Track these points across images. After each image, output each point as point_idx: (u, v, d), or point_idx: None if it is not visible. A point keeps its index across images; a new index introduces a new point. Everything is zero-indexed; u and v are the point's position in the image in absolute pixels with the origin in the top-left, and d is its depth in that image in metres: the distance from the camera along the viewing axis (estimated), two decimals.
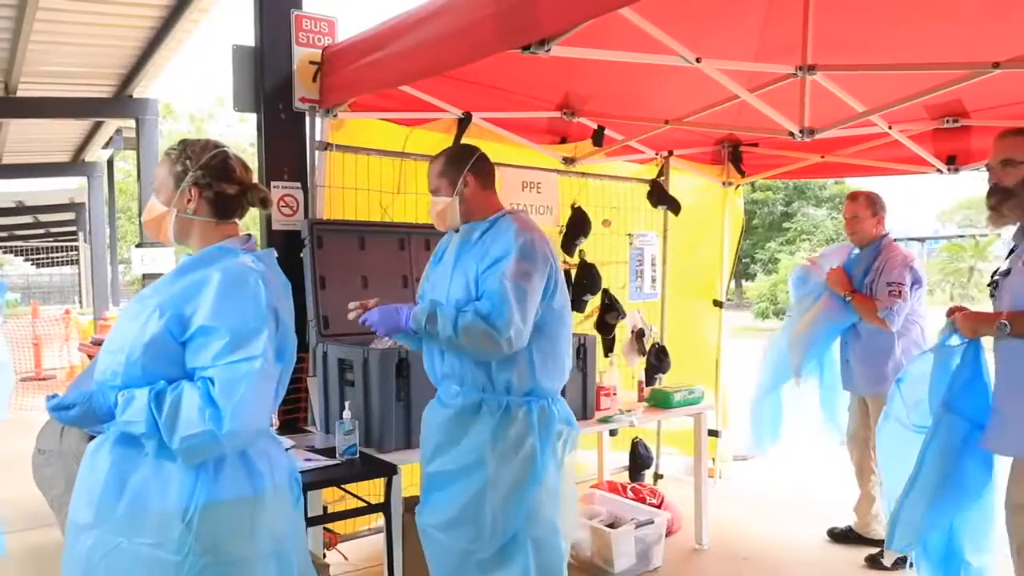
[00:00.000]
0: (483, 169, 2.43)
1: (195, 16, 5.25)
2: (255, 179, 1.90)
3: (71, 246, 14.92)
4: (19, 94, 6.64)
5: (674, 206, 4.61)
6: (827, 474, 3.87)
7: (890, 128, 3.63)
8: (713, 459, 4.88)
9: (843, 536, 3.96)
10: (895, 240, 3.77)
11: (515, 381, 2.32)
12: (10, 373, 6.03)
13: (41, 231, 18.14)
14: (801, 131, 3.18)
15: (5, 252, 16.91)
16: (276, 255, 1.87)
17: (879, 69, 3.12)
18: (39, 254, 17.08)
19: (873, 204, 3.76)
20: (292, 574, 1.81)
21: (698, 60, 2.83)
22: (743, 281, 26.09)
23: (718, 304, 5.18)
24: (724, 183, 5.10)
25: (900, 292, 3.51)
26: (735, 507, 4.55)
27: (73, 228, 15.58)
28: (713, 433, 4.65)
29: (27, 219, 16.28)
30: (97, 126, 8.77)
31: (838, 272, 3.72)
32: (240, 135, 22.33)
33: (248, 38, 3.44)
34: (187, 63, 27.98)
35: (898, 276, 3.53)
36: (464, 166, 2.39)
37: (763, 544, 3.99)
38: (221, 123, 23.77)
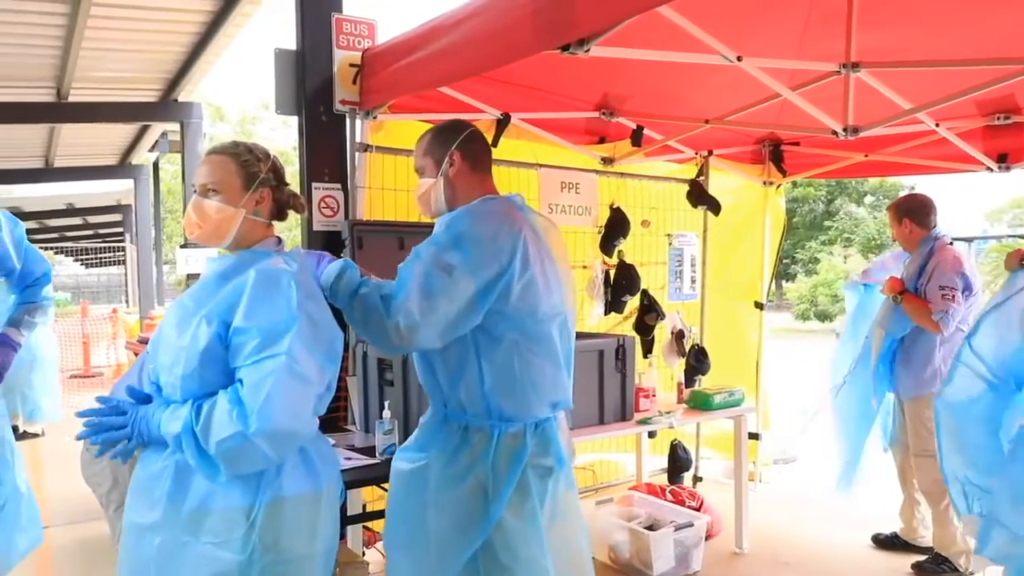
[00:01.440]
0: (474, 148, 2.09)
1: (238, 21, 5.34)
2: None
3: (118, 247, 15.29)
4: (70, 99, 6.83)
5: (714, 206, 4.56)
6: (872, 478, 3.80)
7: (937, 126, 3.55)
8: (753, 462, 4.82)
9: (888, 542, 3.88)
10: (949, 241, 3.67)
11: (463, 398, 1.97)
12: (55, 371, 6.22)
13: (90, 232, 18.63)
14: (844, 129, 3.12)
15: (56, 253, 17.40)
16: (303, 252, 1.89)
17: (927, 65, 3.05)
18: (88, 255, 17.52)
19: (896, 211, 3.72)
20: (331, 573, 1.82)
21: (739, 58, 2.79)
22: (783, 282, 25.72)
23: (759, 306, 5.11)
24: (765, 183, 5.03)
25: (953, 296, 3.43)
26: (776, 511, 4.48)
27: (120, 229, 15.96)
28: (754, 436, 4.59)
29: (77, 221, 16.73)
30: (143, 130, 8.98)
31: (893, 279, 3.67)
32: (285, 138, 22.73)
33: (290, 42, 3.50)
34: (236, 66, 28.46)
35: (950, 280, 3.45)
36: (451, 143, 2.06)
37: (805, 549, 3.93)
38: (267, 126, 24.18)
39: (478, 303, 1.89)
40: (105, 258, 17.37)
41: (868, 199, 24.98)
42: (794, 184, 20.67)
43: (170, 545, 1.64)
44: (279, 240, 1.86)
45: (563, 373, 2.11)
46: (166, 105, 7.28)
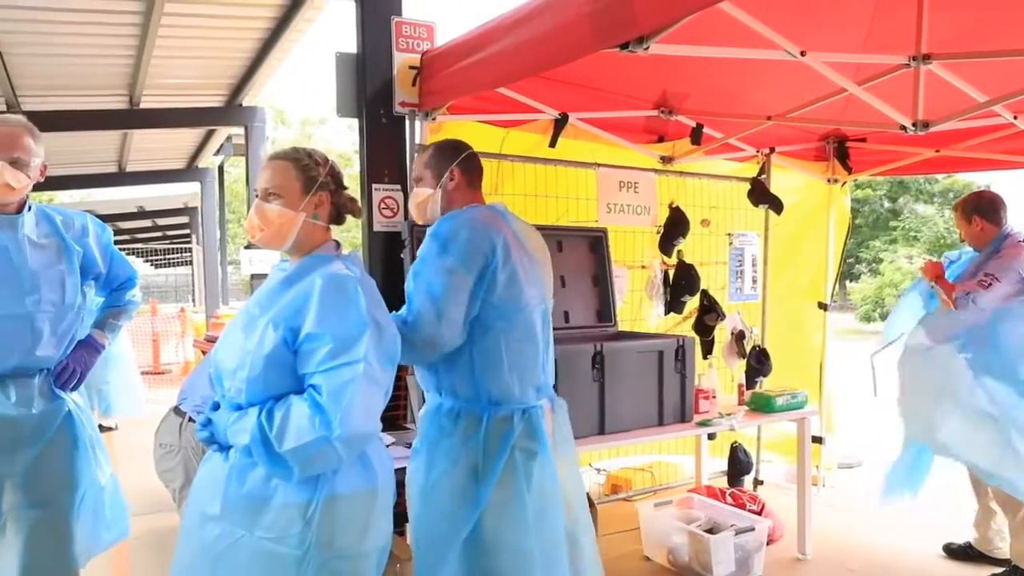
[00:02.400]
0: (471, 166, 2.34)
1: (301, 26, 5.46)
2: None
3: (185, 248, 15.78)
4: (142, 106, 7.09)
5: (776, 205, 4.48)
6: (943, 484, 3.65)
7: (1015, 118, 3.40)
8: (816, 466, 4.71)
9: (962, 552, 3.73)
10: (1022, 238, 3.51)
11: (456, 383, 2.19)
12: (130, 368, 6.43)
13: (158, 234, 19.28)
14: (914, 124, 3.02)
15: (127, 254, 18.08)
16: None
17: (1003, 55, 2.92)
18: (157, 255, 18.13)
19: (964, 209, 3.56)
20: (383, 570, 1.85)
21: (803, 53, 2.74)
22: (847, 282, 25.04)
23: (823, 306, 4.99)
24: (829, 180, 4.90)
25: (989, 284, 3.24)
26: (841, 517, 4.37)
27: (187, 231, 16.46)
28: (817, 440, 4.48)
29: (146, 223, 17.33)
30: (209, 134, 9.25)
31: (932, 262, 3.52)
32: (346, 142, 23.16)
33: (351, 45, 3.56)
34: (298, 70, 29.12)
35: (998, 269, 3.25)
36: (452, 160, 2.31)
37: (871, 557, 3.81)
38: (329, 129, 24.64)
39: (475, 293, 2.14)
40: (173, 259, 17.95)
41: (937, 197, 24.11)
42: (855, 184, 20.13)
43: (227, 538, 1.68)
44: (337, 244, 1.90)
45: (546, 359, 2.33)
46: (231, 110, 7.49)
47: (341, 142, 23.43)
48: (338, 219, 1.91)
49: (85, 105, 6.94)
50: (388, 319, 1.80)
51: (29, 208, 2.40)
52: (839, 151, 4.72)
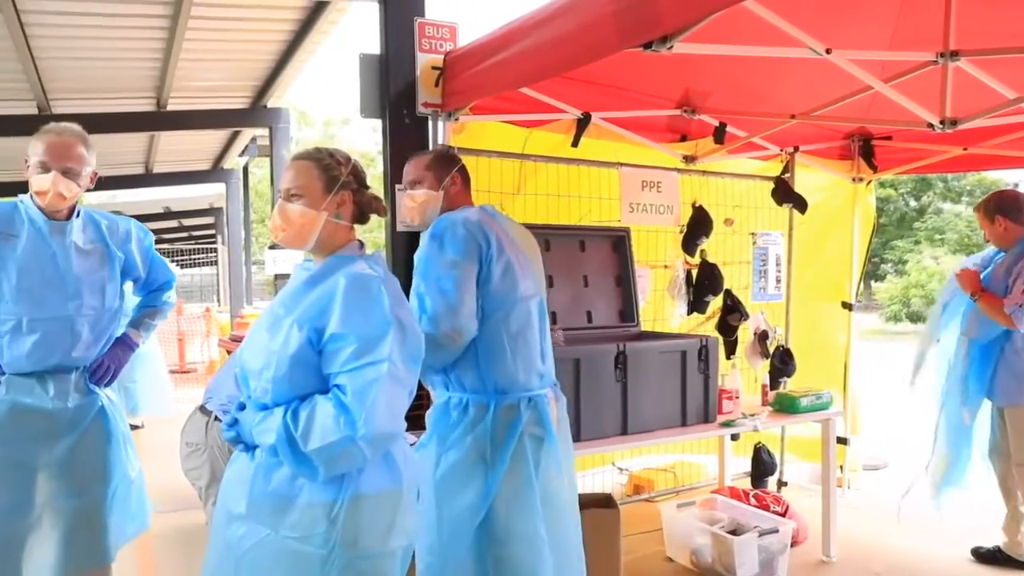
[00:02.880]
0: (465, 174, 2.50)
1: (324, 28, 5.50)
2: None
3: (211, 248, 15.96)
4: (168, 108, 7.18)
5: (800, 204, 4.44)
6: (972, 487, 3.61)
7: None
8: (841, 468, 4.66)
9: (990, 557, 3.68)
10: None
11: (462, 375, 2.28)
12: (159, 366, 6.51)
13: (184, 235, 19.52)
14: (942, 122, 2.98)
15: None
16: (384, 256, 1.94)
17: None
18: (183, 256, 18.34)
19: (987, 209, 3.52)
20: (407, 570, 1.86)
21: (828, 51, 2.71)
22: (871, 282, 24.73)
23: (848, 306, 4.94)
24: (854, 179, 4.86)
25: None
26: (866, 519, 4.33)
27: (212, 232, 16.65)
28: (842, 441, 4.44)
29: (172, 224, 17.55)
30: (234, 135, 9.35)
31: (967, 271, 3.49)
32: (371, 142, 23.27)
33: (373, 46, 3.58)
34: (322, 71, 29.28)
35: None
36: (454, 165, 2.48)
37: (897, 560, 3.77)
38: (352, 130, 24.75)
39: (477, 283, 2.24)
40: (199, 259, 18.17)
41: (964, 196, 23.71)
42: (879, 183, 19.86)
43: (252, 537, 1.69)
44: (361, 244, 1.90)
45: (544, 348, 2.42)
46: (256, 111, 7.56)
47: (364, 142, 23.54)
48: (361, 218, 1.91)
49: (114, 108, 7.05)
50: (412, 318, 1.81)
51: (78, 214, 2.52)
52: (864, 149, 4.67)
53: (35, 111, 6.75)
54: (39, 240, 2.41)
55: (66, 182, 2.39)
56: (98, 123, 7.07)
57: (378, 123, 3.61)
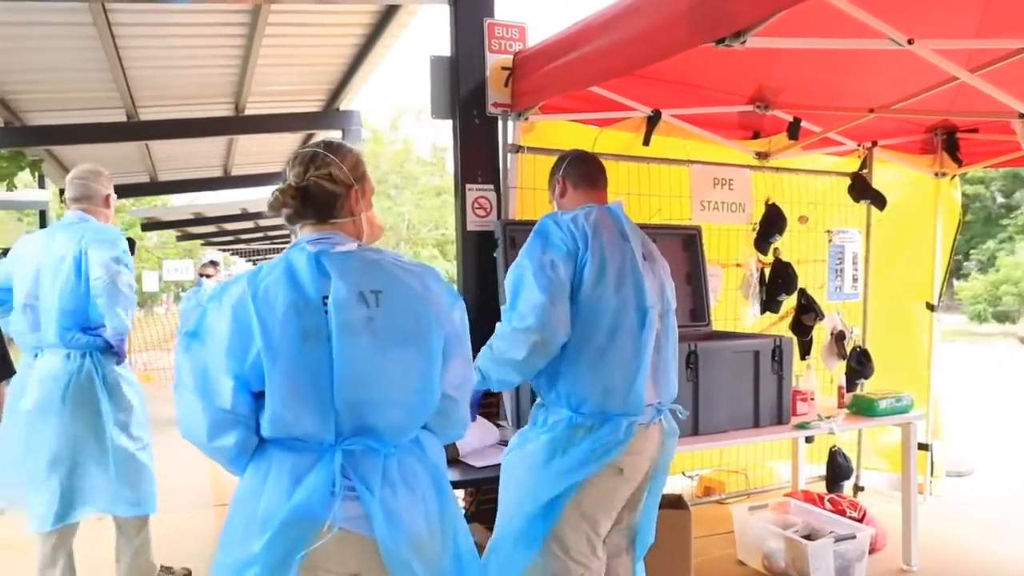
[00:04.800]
0: (576, 171, 2.40)
1: (395, 31, 5.58)
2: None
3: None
4: (246, 113, 7.42)
5: (878, 200, 4.30)
6: None
7: None
8: (923, 474, 4.50)
9: None
10: None
11: (539, 381, 2.23)
12: None
13: (260, 235, 20.09)
14: None
15: (232, 254, 18.93)
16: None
17: None
18: (258, 255, 18.89)
19: None
20: None
21: (910, 42, 2.62)
22: (955, 280, 23.70)
23: (931, 306, 4.76)
24: (937, 174, 4.68)
25: None
26: (949, 527, 4.17)
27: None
28: (923, 446, 4.29)
29: (249, 224, 18.07)
30: (308, 137, 9.57)
31: None
32: (433, 142, 23.57)
33: (443, 48, 3.63)
34: (386, 73, 29.76)
35: None
36: (558, 169, 2.43)
37: (983, 569, 3.62)
38: (416, 130, 25.06)
39: (571, 286, 2.13)
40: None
41: None
42: (964, 178, 18.99)
43: None
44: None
45: (661, 366, 2.26)
46: (329, 114, 7.73)
47: (426, 142, 23.88)
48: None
49: (195, 113, 7.32)
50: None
51: None
52: (948, 143, 4.49)
53: (124, 118, 7.06)
54: None
55: None
56: (181, 128, 7.40)
57: (439, 123, 3.67)
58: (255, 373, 1.51)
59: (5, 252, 10.84)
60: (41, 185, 11.47)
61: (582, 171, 2.39)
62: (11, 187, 8.74)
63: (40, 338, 3.06)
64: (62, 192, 12.21)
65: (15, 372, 2.78)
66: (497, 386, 2.28)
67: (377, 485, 1.51)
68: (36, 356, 3.10)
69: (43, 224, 12.53)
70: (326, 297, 1.54)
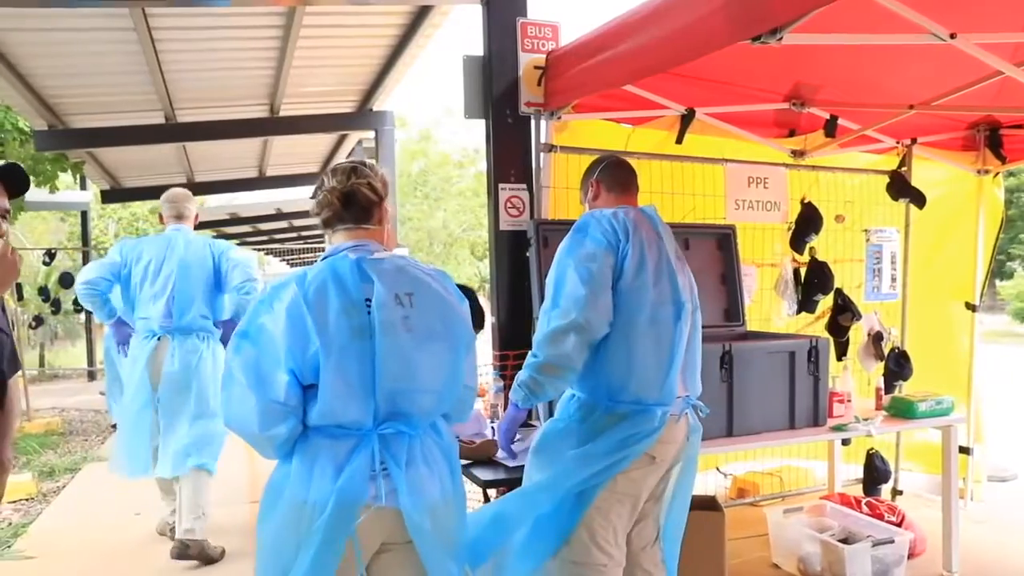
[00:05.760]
0: (610, 175, 2.45)
1: (428, 32, 5.61)
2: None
3: (318, 248, 16.55)
4: (281, 114, 7.51)
5: (918, 199, 4.22)
6: None
7: None
8: (963, 478, 4.40)
9: None
10: None
11: (595, 376, 2.22)
12: None
13: (294, 235, 20.33)
14: None
15: (266, 254, 19.21)
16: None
17: None
18: (292, 255, 19.13)
19: None
20: None
21: (952, 36, 2.57)
22: (997, 280, 23.13)
23: (971, 307, 4.65)
24: (979, 171, 4.57)
25: None
26: (992, 532, 4.07)
27: (320, 232, 17.27)
28: (964, 450, 4.20)
29: (283, 224, 18.31)
30: (342, 138, 9.66)
31: None
32: (465, 141, 23.61)
33: (476, 48, 3.64)
34: (417, 73, 29.86)
35: None
36: (592, 174, 2.48)
37: None
38: (446, 130, 25.15)
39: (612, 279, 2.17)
40: (307, 258, 18.90)
41: None
42: (1008, 174, 18.54)
43: None
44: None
45: (689, 361, 2.32)
46: (363, 115, 7.79)
47: (460, 142, 23.89)
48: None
49: (231, 115, 7.43)
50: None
51: None
52: (991, 139, 4.38)
53: (162, 121, 7.20)
54: None
55: None
56: (217, 130, 7.51)
57: (471, 123, 3.68)
58: (310, 368, 1.68)
59: (49, 252, 11.02)
60: (82, 187, 11.75)
61: (616, 176, 2.45)
62: (53, 189, 8.96)
63: (172, 323, 3.75)
64: (103, 193, 12.47)
65: (21, 367, 2.88)
66: (552, 395, 2.27)
67: (403, 463, 1.71)
68: (156, 338, 3.76)
69: (84, 224, 12.83)
70: (368, 299, 1.73)
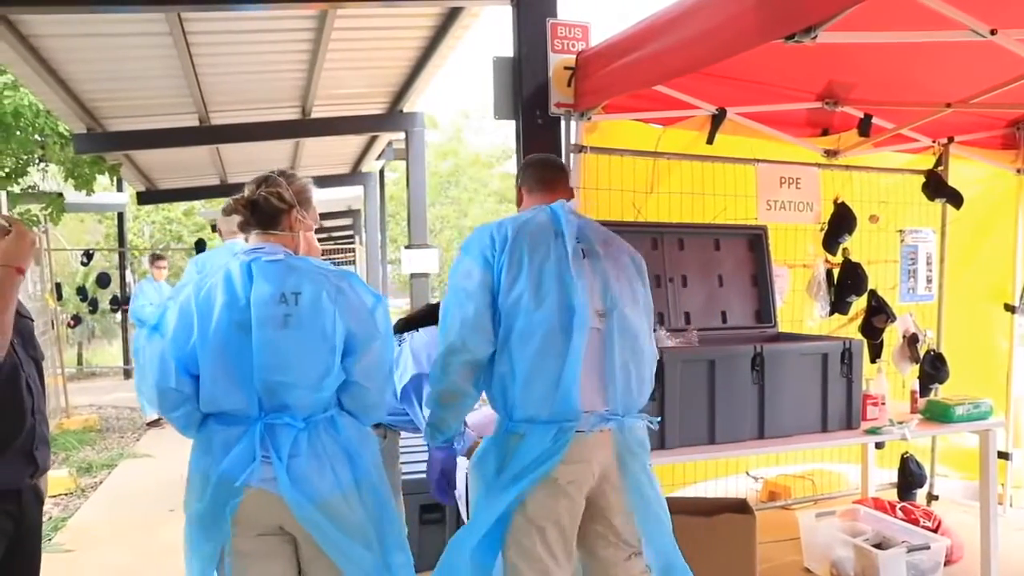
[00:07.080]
0: (528, 176, 2.38)
1: (458, 33, 5.64)
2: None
3: (349, 248, 16.68)
4: (313, 116, 7.61)
5: (955, 199, 4.15)
6: None
7: None
8: (1002, 484, 4.31)
9: None
10: None
11: (494, 396, 2.14)
12: None
13: (324, 236, 20.52)
14: None
15: None
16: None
17: None
18: (324, 256, 19.31)
19: None
20: None
21: (993, 32, 2.52)
22: None
23: (1010, 309, 4.56)
24: (1019, 170, 4.48)
25: None
26: None
27: (351, 232, 17.42)
28: (1003, 455, 4.11)
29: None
30: (372, 139, 9.74)
31: None
32: (491, 142, 23.64)
33: (506, 49, 3.65)
34: (446, 73, 29.99)
35: None
36: (519, 179, 2.43)
37: None
38: (473, 130, 25.21)
39: (500, 291, 2.09)
40: (338, 259, 19.04)
41: None
42: None
43: None
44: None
45: (606, 373, 2.10)
46: (393, 116, 7.86)
47: (489, 142, 23.90)
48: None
49: (264, 117, 7.54)
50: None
51: None
52: None
53: (196, 123, 7.32)
54: None
55: None
56: (250, 132, 7.62)
57: (501, 123, 3.68)
58: (192, 358, 1.88)
59: (87, 253, 11.33)
60: (119, 188, 11.99)
61: (537, 175, 2.37)
62: (90, 192, 9.15)
63: None
64: (139, 195, 12.69)
65: (43, 356, 3.02)
66: (455, 426, 2.22)
67: (285, 453, 1.86)
68: None
69: (121, 225, 13.08)
70: None
